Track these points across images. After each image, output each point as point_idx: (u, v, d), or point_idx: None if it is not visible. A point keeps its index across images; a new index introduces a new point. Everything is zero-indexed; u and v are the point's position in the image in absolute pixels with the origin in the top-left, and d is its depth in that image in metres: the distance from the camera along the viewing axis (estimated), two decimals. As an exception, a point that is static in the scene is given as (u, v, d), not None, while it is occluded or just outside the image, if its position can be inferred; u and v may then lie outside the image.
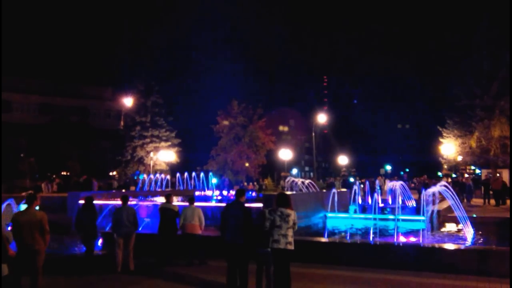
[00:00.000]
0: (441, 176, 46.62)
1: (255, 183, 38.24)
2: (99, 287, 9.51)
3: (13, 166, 43.73)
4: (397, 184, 21.11)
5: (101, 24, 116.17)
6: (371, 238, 11.86)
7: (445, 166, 46.19)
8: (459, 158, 41.84)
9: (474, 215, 17.54)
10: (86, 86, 62.57)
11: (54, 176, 39.58)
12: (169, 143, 46.93)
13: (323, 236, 13.03)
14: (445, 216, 16.72)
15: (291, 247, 8.01)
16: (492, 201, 25.43)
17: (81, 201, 16.06)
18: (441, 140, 42.45)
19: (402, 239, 11.62)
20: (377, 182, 30.38)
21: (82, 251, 11.04)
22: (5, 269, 6.13)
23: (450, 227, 13.59)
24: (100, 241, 12.81)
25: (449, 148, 40.89)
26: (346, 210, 20.47)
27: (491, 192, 25.90)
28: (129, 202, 11.63)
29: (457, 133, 40.08)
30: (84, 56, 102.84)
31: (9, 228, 8.22)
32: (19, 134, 51.38)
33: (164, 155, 45.34)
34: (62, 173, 46.20)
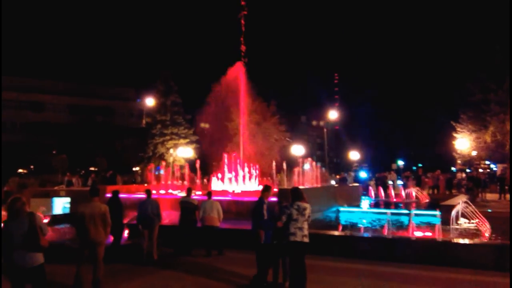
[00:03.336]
0: (455, 171, 45.69)
1: (269, 178, 38.26)
2: (125, 275, 9.57)
3: (46, 162, 44.45)
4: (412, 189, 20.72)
5: (125, 29, 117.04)
6: (384, 232, 11.69)
7: (459, 161, 45.14)
8: (474, 153, 40.89)
9: (489, 210, 17.13)
10: (111, 88, 63.27)
11: (83, 171, 40.05)
12: (187, 140, 47.20)
13: (336, 229, 12.91)
14: (460, 211, 16.43)
15: (307, 239, 7.94)
16: (508, 196, 24.64)
17: (108, 195, 16.20)
18: (454, 135, 41.56)
19: (416, 233, 11.42)
20: (389, 177, 30.12)
21: (110, 241, 11.13)
22: (41, 257, 6.18)
23: (465, 222, 13.33)
24: (126, 232, 12.89)
25: (464, 143, 39.98)
26: (358, 205, 20.28)
27: (506, 187, 25.19)
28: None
29: (471, 127, 39.20)
30: (108, 59, 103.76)
31: (46, 221, 8.30)
32: (51, 132, 52.22)
33: (183, 152, 45.62)
34: (90, 168, 46.75)
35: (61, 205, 16.96)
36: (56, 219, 15.59)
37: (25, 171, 48.48)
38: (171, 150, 45.43)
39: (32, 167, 49.73)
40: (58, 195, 18.34)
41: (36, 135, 52.73)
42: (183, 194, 13.41)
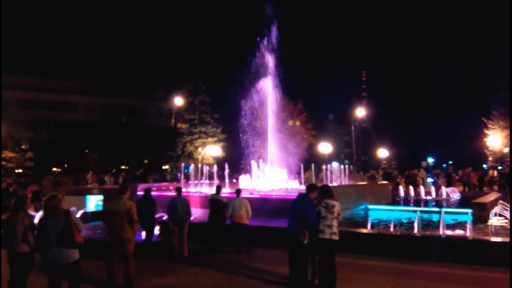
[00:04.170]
0: (486, 168, 44.48)
1: (297, 175, 38.15)
2: (156, 271, 9.69)
3: (78, 161, 45.58)
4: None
5: (154, 31, 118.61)
6: (414, 230, 11.46)
7: (490, 158, 43.92)
8: (506, 150, 39.71)
9: None
10: (140, 88, 64.25)
11: (114, 170, 40.82)
12: (215, 138, 47.49)
13: (365, 227, 12.73)
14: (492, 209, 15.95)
15: (336, 237, 7.86)
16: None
17: (139, 193, 16.45)
18: (486, 132, 40.42)
19: (447, 231, 11.14)
20: (419, 174, 29.55)
21: (142, 238, 11.30)
22: (76, 254, 6.31)
23: (498, 220, 12.93)
24: (157, 229, 13.07)
25: (495, 139, 38.87)
26: (388, 203, 19.97)
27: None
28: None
29: (503, 124, 38.12)
30: (138, 60, 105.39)
31: (79, 215, 8.48)
32: (83, 132, 53.47)
33: (211, 150, 45.91)
34: (121, 167, 47.64)
35: (94, 202, 17.32)
36: (88, 216, 15.93)
37: (59, 170, 49.78)
38: (200, 149, 45.81)
39: (66, 166, 51.02)
40: (91, 193, 18.74)
41: (69, 134, 54.02)
42: (212, 192, 13.49)
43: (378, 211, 17.08)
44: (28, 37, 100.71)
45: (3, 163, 37.68)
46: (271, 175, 22.73)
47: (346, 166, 26.18)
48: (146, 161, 47.44)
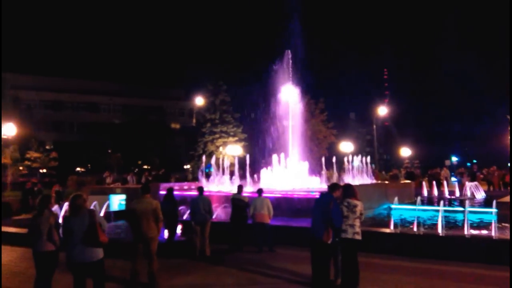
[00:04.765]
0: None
1: (318, 175, 37.95)
2: (179, 270, 9.78)
3: (102, 161, 46.31)
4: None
5: (175, 31, 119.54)
6: (437, 230, 11.29)
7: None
8: None
9: None
10: (161, 88, 64.88)
11: (137, 169, 41.38)
12: (236, 138, 47.64)
13: (388, 227, 12.60)
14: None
15: (359, 237, 7.82)
16: None
17: (162, 192, 16.61)
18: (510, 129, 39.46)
19: (471, 231, 10.95)
20: (442, 173, 29.10)
21: (164, 238, 11.43)
22: (100, 253, 6.42)
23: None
24: (179, 228, 13.19)
25: (520, 137, 37.88)
26: (410, 202, 19.70)
27: None
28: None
29: (528, 122, 37.14)
30: (160, 60, 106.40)
31: (102, 214, 8.61)
32: (105, 132, 54.32)
33: (232, 149, 46.07)
34: (144, 167, 48.22)
35: (117, 202, 17.55)
36: (111, 216, 16.17)
37: (82, 170, 50.66)
38: (221, 148, 46.03)
39: (89, 165, 51.93)
40: (114, 192, 19.00)
41: (92, 135, 54.94)
42: (234, 191, 13.54)
43: (401, 211, 16.88)
44: (51, 38, 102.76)
45: (28, 163, 38.53)
46: (292, 169, 22.67)
47: (368, 164, 25.87)
48: (167, 161, 47.88)
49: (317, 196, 8.84)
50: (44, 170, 40.34)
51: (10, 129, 27.93)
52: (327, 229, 7.66)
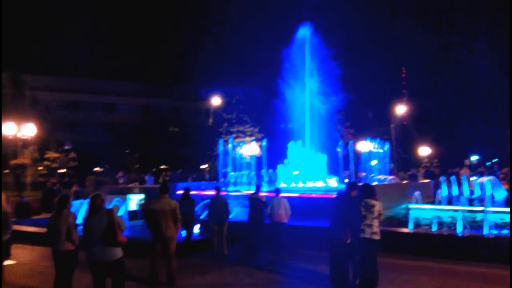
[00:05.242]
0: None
1: (331, 174, 37.82)
2: (197, 269, 9.85)
3: (120, 161, 46.86)
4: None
5: (191, 31, 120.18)
6: (457, 230, 11.14)
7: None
8: None
9: None
10: (178, 88, 65.25)
11: (154, 169, 41.75)
12: (253, 137, 47.70)
13: (406, 227, 12.48)
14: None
15: (377, 237, 7.76)
16: None
17: (179, 192, 16.72)
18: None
19: (492, 231, 10.77)
20: (462, 172, 28.64)
21: (182, 237, 11.51)
22: (119, 252, 6.50)
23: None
24: (197, 228, 13.27)
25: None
26: (429, 202, 19.46)
27: None
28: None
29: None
30: (176, 60, 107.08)
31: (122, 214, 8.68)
32: (123, 133, 54.89)
33: (249, 149, 46.16)
34: (161, 166, 48.61)
35: (135, 202, 17.73)
36: (130, 215, 16.35)
37: (101, 170, 51.28)
38: (238, 148, 46.18)
39: (107, 166, 52.54)
40: (132, 192, 19.19)
41: (110, 135, 55.53)
42: (251, 191, 13.57)
43: (420, 211, 16.69)
44: (70, 39, 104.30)
45: (47, 163, 39.14)
46: (309, 174, 22.59)
47: (386, 164, 25.68)
48: (184, 161, 48.22)
49: (335, 196, 8.81)
50: (63, 170, 40.93)
51: (30, 130, 28.37)
52: (346, 228, 7.65)
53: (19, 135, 27.85)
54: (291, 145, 22.96)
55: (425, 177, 29.00)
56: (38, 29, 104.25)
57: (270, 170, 22.96)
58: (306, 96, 24.96)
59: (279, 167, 22.71)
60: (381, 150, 25.78)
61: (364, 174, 24.83)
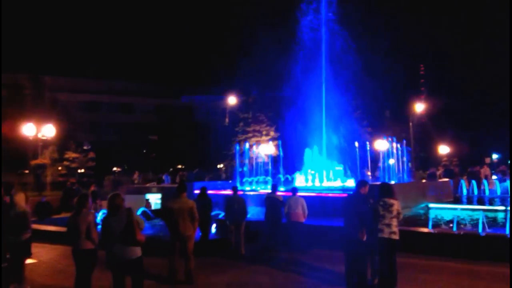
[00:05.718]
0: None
1: (349, 173, 37.56)
2: (215, 268, 9.88)
3: (137, 161, 47.33)
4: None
5: (205, 30, 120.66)
6: (477, 229, 10.97)
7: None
8: None
9: None
10: (194, 87, 65.57)
11: (171, 169, 42.05)
12: (269, 136, 47.65)
13: (426, 226, 12.34)
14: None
15: (396, 236, 7.70)
16: None
17: (196, 191, 16.81)
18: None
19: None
20: (482, 171, 28.21)
21: (199, 236, 11.57)
22: (138, 251, 6.56)
23: None
24: (214, 227, 13.33)
25: None
26: (449, 201, 19.24)
27: None
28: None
29: None
30: (191, 60, 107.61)
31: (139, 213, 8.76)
32: (140, 133, 55.40)
33: (265, 148, 46.13)
34: (178, 166, 48.93)
35: (153, 200, 17.92)
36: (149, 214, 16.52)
37: (119, 170, 51.84)
38: (254, 147, 46.18)
39: (126, 166, 53.09)
40: (150, 191, 19.38)
41: (128, 135, 56.09)
42: (268, 190, 13.58)
43: (439, 210, 16.50)
44: (87, 40, 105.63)
45: (67, 163, 39.72)
46: (326, 173, 22.50)
47: (404, 163, 25.42)
48: (201, 160, 48.46)
49: (346, 195, 8.84)
50: (82, 170, 41.47)
51: (50, 131, 28.86)
52: (360, 227, 7.63)
53: (39, 135, 28.32)
54: (307, 152, 22.82)
55: (445, 176, 28.62)
56: (58, 30, 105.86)
57: (288, 177, 22.82)
58: (323, 103, 24.78)
59: (297, 173, 22.61)
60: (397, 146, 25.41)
61: (378, 173, 24.61)
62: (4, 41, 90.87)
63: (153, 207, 17.80)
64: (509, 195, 17.83)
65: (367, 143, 25.21)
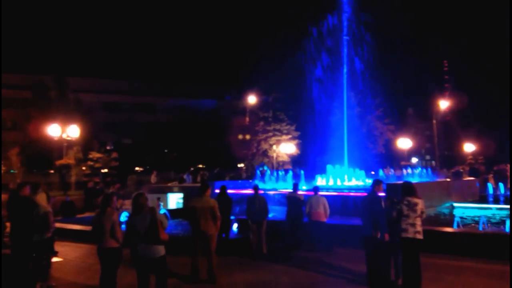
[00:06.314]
0: None
1: (373, 172, 37.14)
2: (237, 267, 9.92)
3: (159, 160, 47.85)
4: None
5: (226, 30, 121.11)
6: (505, 229, 10.77)
7: None
8: None
9: None
10: (215, 88, 65.93)
11: (192, 168, 42.36)
12: (290, 136, 47.53)
13: (450, 226, 12.17)
14: None
15: (420, 236, 7.62)
16: None
17: (217, 191, 16.92)
18: None
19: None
20: (508, 169, 27.62)
21: (222, 235, 11.63)
22: (162, 250, 6.66)
23: None
24: (235, 226, 13.39)
25: None
26: (475, 200, 18.91)
27: None
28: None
29: None
30: (212, 60, 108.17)
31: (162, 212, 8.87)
32: (162, 132, 55.99)
33: (285, 148, 46.04)
34: (199, 165, 49.26)
35: (175, 200, 18.08)
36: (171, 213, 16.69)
37: (141, 169, 52.47)
38: (274, 147, 46.14)
39: (147, 166, 53.74)
40: (172, 191, 19.56)
41: (149, 135, 56.75)
42: (289, 189, 13.58)
43: (465, 209, 16.24)
44: (110, 42, 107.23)
45: (91, 163, 40.42)
46: (347, 172, 22.37)
47: (428, 161, 25.08)
48: (221, 160, 48.70)
49: (364, 195, 8.87)
50: (106, 170, 42.16)
51: (74, 131, 29.43)
52: (375, 226, 7.73)
53: (64, 136, 28.91)
54: (329, 168, 22.64)
55: (470, 175, 28.09)
56: (82, 32, 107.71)
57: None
58: (344, 113, 24.60)
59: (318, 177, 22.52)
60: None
61: (400, 171, 24.31)
62: (29, 44, 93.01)
63: (168, 207, 17.93)
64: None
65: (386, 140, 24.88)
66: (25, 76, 49.92)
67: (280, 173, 24.13)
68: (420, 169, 25.30)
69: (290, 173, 23.86)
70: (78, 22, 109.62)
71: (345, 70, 24.21)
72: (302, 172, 22.78)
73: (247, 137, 48.93)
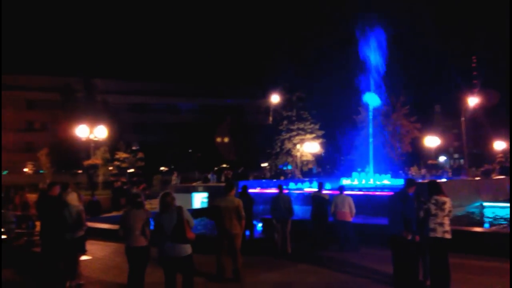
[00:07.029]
0: None
1: (400, 172, 36.63)
2: (262, 267, 9.95)
3: (184, 160, 48.29)
4: None
5: (251, 29, 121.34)
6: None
7: None
8: None
9: None
10: (238, 87, 66.17)
11: (216, 168, 42.63)
12: (314, 135, 47.28)
13: (479, 225, 11.92)
14: None
15: (449, 236, 7.50)
16: None
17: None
18: None
19: None
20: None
21: (245, 234, 11.68)
22: (189, 249, 6.75)
23: None
24: (260, 226, 13.43)
25: None
26: (505, 199, 18.44)
27: None
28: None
29: None
30: (236, 60, 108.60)
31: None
32: (186, 132, 56.53)
33: (309, 147, 45.82)
34: (223, 165, 49.51)
35: (199, 199, 18.25)
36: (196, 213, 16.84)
37: (166, 169, 53.05)
38: (298, 146, 45.99)
39: (172, 166, 54.30)
40: (196, 190, 19.75)
41: (174, 135, 57.35)
42: (314, 189, 13.55)
43: (495, 209, 15.88)
44: (135, 44, 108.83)
45: (117, 163, 41.09)
46: (373, 171, 22.18)
47: (456, 160, 24.63)
48: (245, 159, 48.83)
49: (391, 194, 8.70)
50: (132, 170, 42.80)
51: (101, 132, 29.96)
52: (404, 226, 7.54)
53: (92, 137, 29.48)
54: (354, 175, 22.45)
55: (500, 174, 27.41)
56: (108, 35, 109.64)
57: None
58: (370, 112, 24.37)
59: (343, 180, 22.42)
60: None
61: (424, 171, 23.93)
62: (57, 47, 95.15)
63: (193, 206, 18.09)
64: None
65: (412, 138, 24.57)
66: (53, 78, 51.16)
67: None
68: (448, 167, 24.82)
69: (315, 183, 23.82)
70: (106, 25, 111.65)
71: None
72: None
73: (271, 136, 48.87)
